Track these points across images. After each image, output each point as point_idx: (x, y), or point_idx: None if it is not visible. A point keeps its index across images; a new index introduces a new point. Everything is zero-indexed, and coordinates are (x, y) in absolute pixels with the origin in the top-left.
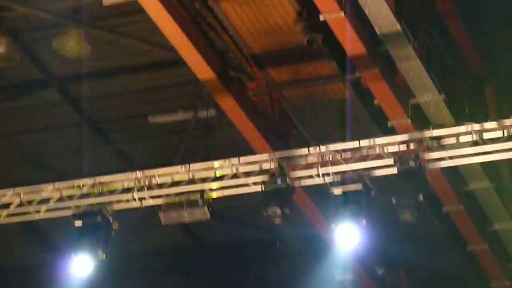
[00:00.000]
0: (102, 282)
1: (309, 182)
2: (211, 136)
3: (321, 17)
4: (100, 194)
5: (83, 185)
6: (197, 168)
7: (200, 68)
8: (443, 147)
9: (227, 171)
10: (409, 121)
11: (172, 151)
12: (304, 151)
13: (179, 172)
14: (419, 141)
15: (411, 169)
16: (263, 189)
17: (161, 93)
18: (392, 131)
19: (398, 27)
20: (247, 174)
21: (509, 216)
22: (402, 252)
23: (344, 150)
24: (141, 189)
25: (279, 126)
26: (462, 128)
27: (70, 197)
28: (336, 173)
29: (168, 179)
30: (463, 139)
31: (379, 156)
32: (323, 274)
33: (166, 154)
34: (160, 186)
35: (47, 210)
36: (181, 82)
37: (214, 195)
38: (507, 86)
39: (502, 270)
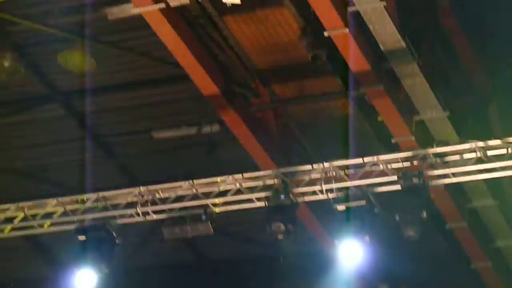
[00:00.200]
0: None
1: (312, 198)
2: (215, 152)
3: (326, 34)
4: (104, 208)
5: (86, 200)
6: (201, 183)
7: (205, 83)
8: (446, 164)
9: (230, 187)
10: (413, 138)
11: (176, 166)
12: (308, 167)
13: (182, 187)
14: (423, 158)
15: (415, 186)
16: (266, 204)
17: (165, 108)
18: (396, 148)
19: (403, 43)
20: (251, 189)
21: None
22: (405, 269)
23: (347, 167)
24: (144, 204)
25: (283, 142)
26: (466, 145)
27: (73, 212)
28: (339, 189)
29: (171, 194)
30: (467, 156)
31: (382, 173)
32: None
33: (170, 169)
34: (164, 201)
35: (51, 225)
36: (185, 97)
37: (218, 210)
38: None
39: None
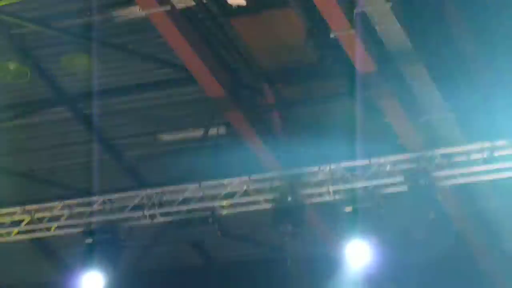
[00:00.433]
0: None
1: (319, 199)
2: (222, 154)
3: (332, 35)
4: (111, 211)
5: (94, 203)
6: (208, 186)
7: (211, 85)
8: (453, 165)
9: (237, 189)
10: (419, 138)
11: (183, 169)
12: (315, 168)
13: (189, 189)
14: (430, 159)
15: (422, 187)
16: (273, 206)
17: (172, 110)
18: (402, 149)
19: (409, 44)
20: (258, 191)
21: None
22: (412, 270)
23: (354, 168)
24: (151, 206)
25: (290, 144)
26: (472, 146)
27: (80, 215)
28: (346, 191)
29: (178, 197)
30: (473, 156)
31: (389, 174)
32: None
33: (177, 172)
34: (171, 203)
35: (58, 228)
36: (192, 99)
37: (225, 212)
38: None
39: None
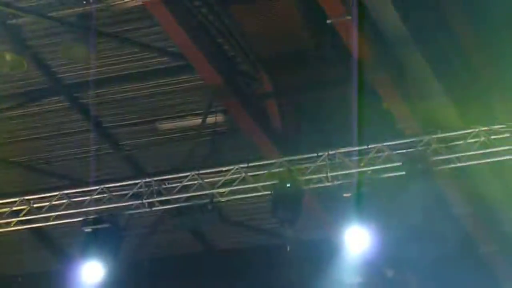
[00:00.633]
0: None
1: (318, 185)
2: (220, 141)
3: (328, 21)
4: (110, 200)
5: (92, 192)
6: (206, 173)
7: (208, 73)
8: (451, 149)
9: (236, 176)
10: (417, 123)
11: (181, 157)
12: (313, 154)
13: (188, 177)
14: (427, 144)
15: (420, 172)
16: (272, 193)
17: (169, 99)
18: (400, 134)
19: (406, 30)
20: (256, 178)
21: None
22: (411, 255)
23: (353, 153)
24: (150, 194)
25: (288, 131)
26: (470, 130)
27: (79, 204)
28: (345, 176)
29: (177, 185)
30: (471, 141)
31: (388, 159)
32: (333, 278)
33: (175, 160)
34: (170, 191)
35: (57, 217)
36: (189, 88)
37: (224, 199)
38: None
39: None
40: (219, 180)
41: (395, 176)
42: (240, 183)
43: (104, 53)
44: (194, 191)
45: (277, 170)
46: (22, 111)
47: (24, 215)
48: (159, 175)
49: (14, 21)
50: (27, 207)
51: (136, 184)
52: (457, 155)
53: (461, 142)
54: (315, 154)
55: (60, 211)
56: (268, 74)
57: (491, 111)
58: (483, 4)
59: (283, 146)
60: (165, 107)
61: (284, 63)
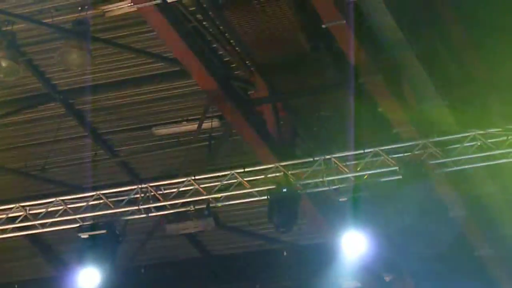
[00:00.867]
0: None
1: (314, 190)
2: (216, 147)
3: (324, 25)
4: (106, 206)
5: (88, 198)
6: (202, 179)
7: (203, 79)
8: (447, 153)
9: (232, 181)
10: (413, 127)
11: (177, 162)
12: (309, 159)
13: (184, 183)
14: (424, 147)
15: (416, 176)
16: (268, 198)
17: (165, 104)
18: (396, 138)
19: (401, 34)
20: (252, 183)
21: None
22: (408, 259)
23: (349, 158)
24: (146, 200)
25: (284, 135)
26: (466, 134)
27: (75, 210)
28: (341, 181)
29: (173, 190)
30: (467, 145)
31: (384, 163)
32: (330, 282)
33: (171, 165)
34: (166, 197)
35: (53, 224)
36: (185, 93)
37: (220, 205)
38: (511, 91)
39: (510, 275)
40: (215, 186)
41: (392, 180)
42: (236, 188)
43: (99, 59)
44: (190, 197)
45: (273, 175)
46: (18, 117)
47: (20, 222)
48: (155, 181)
49: (9, 27)
50: (23, 214)
51: (132, 190)
52: (453, 158)
53: (457, 146)
54: (311, 159)
55: (56, 217)
56: (263, 79)
57: (487, 115)
58: (479, 8)
59: (279, 151)
60: (161, 112)
61: (279, 68)
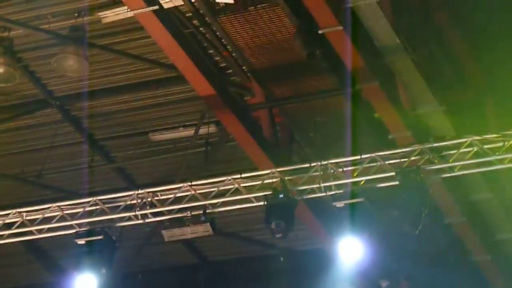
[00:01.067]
0: None
1: (311, 196)
2: (213, 153)
3: (320, 31)
4: (103, 212)
5: (85, 204)
6: (199, 184)
7: (200, 84)
8: (444, 159)
9: (229, 187)
10: (410, 133)
11: (174, 168)
12: (306, 165)
13: (181, 188)
14: (420, 153)
15: (413, 181)
16: (265, 204)
17: (162, 110)
18: (393, 144)
19: (397, 39)
20: (249, 189)
21: None
22: (405, 265)
23: (345, 164)
24: (143, 206)
25: (280, 141)
26: (463, 140)
27: (72, 216)
28: (338, 187)
29: (170, 196)
30: (464, 150)
31: (380, 169)
32: None
33: (168, 171)
34: (162, 203)
35: (50, 229)
36: (182, 99)
37: (217, 210)
38: (507, 97)
39: (506, 281)
40: (212, 191)
41: (388, 186)
42: (233, 194)
43: (96, 65)
44: (187, 203)
45: (270, 181)
46: (14, 123)
47: (17, 228)
48: (152, 187)
49: (6, 33)
50: (19, 220)
51: (129, 196)
52: (450, 164)
53: (454, 151)
54: (308, 165)
55: (52, 223)
56: (260, 84)
57: (484, 121)
58: (475, 13)
59: (276, 156)
60: (158, 118)
61: (276, 73)
